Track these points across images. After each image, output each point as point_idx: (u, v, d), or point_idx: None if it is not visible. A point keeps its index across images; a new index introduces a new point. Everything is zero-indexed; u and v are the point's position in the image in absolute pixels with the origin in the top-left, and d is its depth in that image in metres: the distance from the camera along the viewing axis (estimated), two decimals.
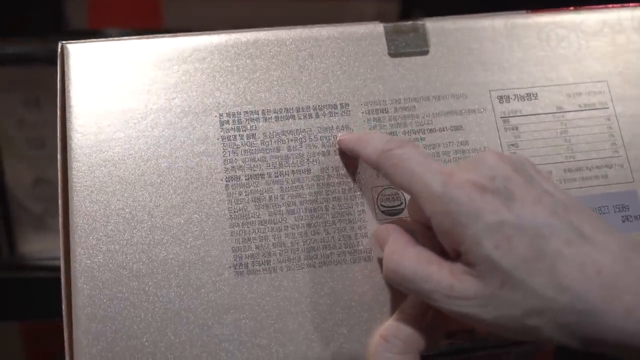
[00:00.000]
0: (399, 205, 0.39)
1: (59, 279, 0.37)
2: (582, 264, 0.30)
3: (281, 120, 0.40)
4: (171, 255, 0.37)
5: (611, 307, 0.29)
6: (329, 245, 0.38)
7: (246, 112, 0.40)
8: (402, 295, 0.36)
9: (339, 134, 0.40)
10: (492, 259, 0.31)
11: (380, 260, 0.38)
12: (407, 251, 0.34)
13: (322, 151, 0.40)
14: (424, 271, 0.33)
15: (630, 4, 0.45)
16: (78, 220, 0.37)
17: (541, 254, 0.30)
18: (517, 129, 0.42)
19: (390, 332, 0.35)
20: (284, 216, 0.39)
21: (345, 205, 0.39)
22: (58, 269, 0.37)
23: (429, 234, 0.35)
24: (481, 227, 0.31)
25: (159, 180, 0.38)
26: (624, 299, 0.29)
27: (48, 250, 0.76)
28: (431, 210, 0.33)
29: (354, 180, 0.40)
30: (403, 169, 0.34)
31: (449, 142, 0.41)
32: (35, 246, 0.78)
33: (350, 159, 0.40)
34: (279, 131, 0.40)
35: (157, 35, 0.41)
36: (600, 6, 0.45)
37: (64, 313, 0.36)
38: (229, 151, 0.39)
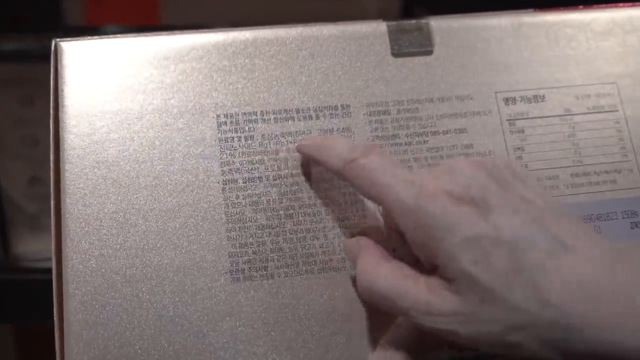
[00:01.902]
0: None
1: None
2: (564, 276, 0.29)
3: (280, 122, 0.40)
4: (166, 261, 0.37)
5: (596, 321, 0.28)
6: (328, 251, 0.38)
7: (244, 113, 0.40)
8: None
9: (297, 142, 0.39)
10: (471, 275, 0.30)
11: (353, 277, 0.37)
12: (380, 267, 0.33)
13: None
14: (399, 288, 0.32)
15: None
16: (70, 223, 0.37)
17: (521, 268, 0.29)
18: (523, 132, 0.41)
19: (391, 341, 0.35)
20: (282, 221, 0.38)
21: (345, 210, 0.39)
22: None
23: (404, 243, 0.34)
24: (457, 241, 0.30)
25: (154, 183, 0.38)
26: (609, 310, 0.28)
27: (43, 251, 0.76)
28: (404, 224, 0.32)
29: None
30: (370, 180, 0.34)
31: (453, 146, 0.40)
32: (30, 247, 0.78)
33: None
34: (277, 133, 0.40)
35: (153, 33, 0.41)
36: (610, 5, 0.45)
37: (55, 319, 0.36)
38: (226, 153, 0.39)
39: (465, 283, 0.30)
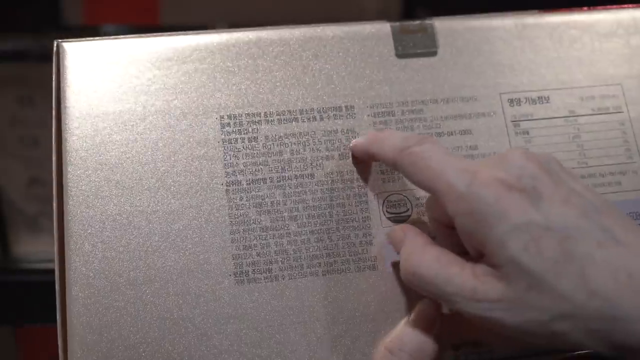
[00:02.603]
0: (405, 212, 0.39)
1: (54, 282, 0.37)
2: (613, 268, 0.29)
3: (284, 123, 0.40)
4: (169, 263, 0.37)
5: None
6: (333, 253, 0.38)
7: (248, 114, 0.40)
8: (408, 306, 0.36)
9: (352, 141, 0.40)
10: (519, 261, 0.30)
11: (392, 265, 0.38)
12: (426, 252, 0.34)
13: (326, 155, 0.39)
14: (445, 273, 0.32)
15: None
16: (73, 226, 0.37)
17: (571, 257, 0.30)
18: (528, 133, 0.41)
19: (396, 344, 0.35)
20: (286, 222, 0.38)
21: (349, 211, 0.39)
22: (53, 271, 0.37)
23: (448, 233, 0.35)
24: (508, 227, 0.30)
25: (157, 185, 0.38)
26: None
27: (43, 252, 0.76)
28: (454, 210, 0.32)
29: (359, 185, 0.39)
30: (423, 167, 0.34)
31: (458, 147, 0.40)
32: (30, 248, 0.78)
33: (355, 164, 0.39)
34: (281, 134, 0.40)
35: (156, 34, 0.40)
36: (614, 6, 0.45)
37: (58, 322, 0.36)
38: (229, 155, 0.39)
39: (513, 270, 0.30)
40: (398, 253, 0.36)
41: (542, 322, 0.30)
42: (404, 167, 0.35)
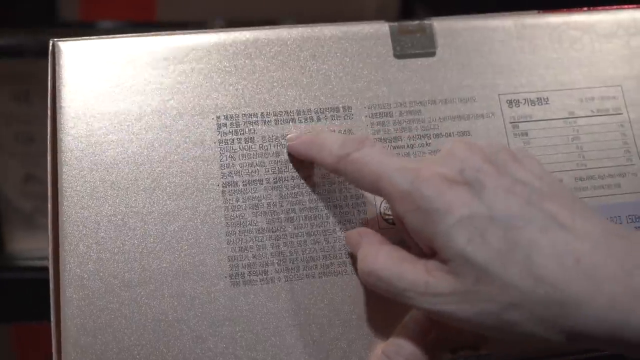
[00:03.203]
0: None
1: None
2: (559, 253, 0.29)
3: (281, 124, 0.40)
4: (164, 264, 0.37)
5: (593, 297, 0.28)
6: (330, 255, 0.38)
7: (244, 114, 0.39)
8: (404, 309, 0.36)
9: (287, 137, 0.39)
10: (465, 254, 0.30)
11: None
12: (380, 252, 0.34)
13: None
14: (398, 270, 0.33)
15: None
16: (68, 226, 0.37)
17: (515, 245, 0.30)
18: (527, 134, 0.41)
19: (393, 348, 0.35)
20: (283, 224, 0.38)
21: (346, 213, 0.38)
22: (49, 269, 0.37)
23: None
24: (452, 221, 0.31)
25: (152, 186, 0.38)
26: (606, 287, 0.28)
27: (39, 249, 0.76)
28: (401, 209, 0.33)
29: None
30: (366, 172, 0.34)
31: None
32: (26, 245, 0.78)
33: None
34: (278, 135, 0.39)
35: (152, 33, 0.40)
36: (614, 7, 0.45)
37: (52, 323, 0.36)
38: (226, 155, 0.39)
39: (460, 262, 0.30)
40: (355, 255, 0.36)
41: (492, 313, 0.30)
42: (346, 175, 0.35)
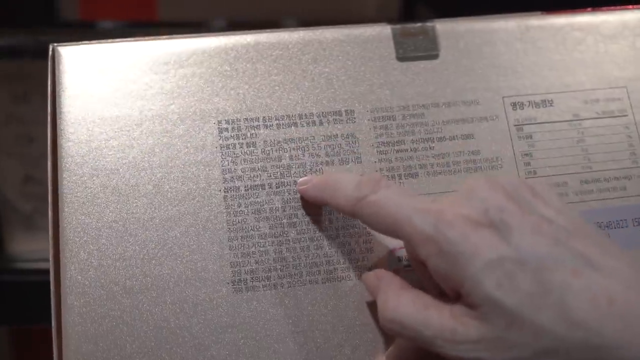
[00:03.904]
0: None
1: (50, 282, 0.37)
2: (593, 295, 0.29)
3: (283, 128, 0.39)
4: (166, 271, 0.37)
5: (629, 340, 0.28)
6: (333, 261, 0.38)
7: (246, 119, 0.39)
8: None
9: (299, 181, 0.39)
10: (495, 299, 0.29)
11: (369, 305, 0.37)
12: (401, 297, 0.33)
13: (326, 160, 0.39)
14: (423, 317, 0.32)
15: None
16: (69, 233, 0.37)
17: (547, 288, 0.29)
18: (531, 137, 0.41)
19: (397, 353, 0.35)
20: (286, 229, 0.38)
21: (349, 218, 0.38)
22: (49, 271, 0.37)
23: (428, 274, 0.34)
24: (480, 265, 0.30)
25: (154, 191, 0.38)
26: None
27: (38, 251, 0.76)
28: (425, 253, 0.32)
29: None
30: (385, 215, 0.33)
31: (460, 152, 0.40)
32: (25, 246, 0.77)
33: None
34: (280, 139, 0.39)
35: (153, 37, 0.40)
36: (619, 7, 0.44)
37: (53, 331, 0.36)
38: (227, 160, 0.39)
39: (490, 308, 0.30)
40: (375, 299, 0.35)
41: (526, 359, 0.29)
42: (364, 218, 0.35)
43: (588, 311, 0.28)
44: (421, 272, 0.34)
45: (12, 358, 0.80)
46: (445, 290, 0.32)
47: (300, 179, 0.39)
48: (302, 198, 0.38)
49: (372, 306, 0.37)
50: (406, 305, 0.32)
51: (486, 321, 0.30)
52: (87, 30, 0.78)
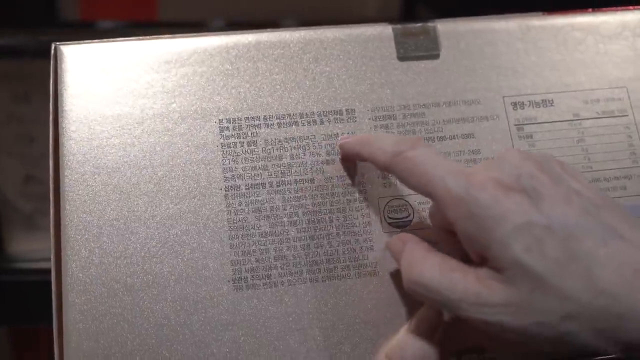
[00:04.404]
0: (406, 217, 0.39)
1: (50, 282, 0.37)
2: (619, 265, 0.29)
3: (284, 127, 0.40)
4: (167, 269, 0.37)
5: None
6: (333, 259, 0.38)
7: (247, 117, 0.40)
8: (409, 312, 0.36)
9: (341, 137, 0.40)
10: (523, 263, 0.30)
11: (392, 274, 0.38)
12: (427, 260, 0.34)
13: (327, 159, 0.40)
14: (448, 280, 0.32)
15: None
16: (70, 230, 0.37)
17: (575, 256, 0.30)
18: (531, 137, 0.41)
19: (397, 352, 0.35)
20: (286, 228, 0.38)
21: (350, 216, 0.39)
22: (49, 271, 0.37)
23: (451, 239, 0.35)
24: (509, 229, 0.30)
25: (155, 190, 0.38)
26: None
27: (39, 250, 0.76)
28: (454, 214, 0.32)
29: (360, 190, 0.39)
30: (419, 172, 0.34)
31: (460, 151, 0.41)
32: (26, 246, 0.78)
33: (356, 168, 0.39)
34: (281, 138, 0.40)
35: (154, 36, 0.41)
36: (620, 8, 0.45)
37: (54, 328, 0.36)
38: (228, 159, 0.39)
39: (516, 272, 0.30)
40: (399, 264, 0.36)
41: (548, 324, 0.30)
42: (398, 172, 0.35)
43: (613, 280, 0.29)
44: (446, 239, 0.35)
45: (12, 358, 0.81)
46: (471, 254, 0.33)
47: (342, 135, 0.40)
48: (304, 197, 0.39)
49: (372, 304, 0.38)
50: (432, 268, 0.33)
51: (512, 285, 0.30)
52: (87, 30, 0.79)
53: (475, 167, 0.33)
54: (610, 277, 0.29)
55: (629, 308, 0.29)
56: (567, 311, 0.29)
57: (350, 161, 0.40)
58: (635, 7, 0.45)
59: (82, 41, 0.40)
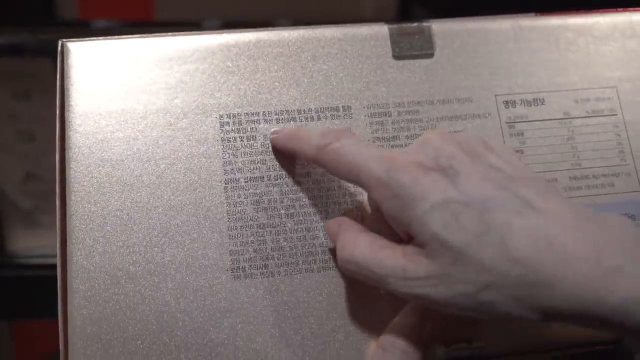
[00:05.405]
0: None
1: (50, 277, 0.39)
2: (532, 235, 0.31)
3: (282, 123, 0.42)
4: (168, 258, 0.39)
5: (565, 277, 0.31)
6: (328, 250, 0.40)
7: (247, 113, 0.42)
8: (401, 303, 0.38)
9: (271, 130, 0.42)
10: (441, 237, 0.32)
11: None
12: (358, 239, 0.36)
13: None
14: (377, 257, 0.35)
15: None
16: (75, 220, 0.39)
17: (490, 228, 0.32)
18: (522, 134, 0.43)
19: (388, 341, 0.37)
20: (283, 220, 0.41)
21: (345, 209, 0.41)
22: (49, 267, 0.39)
23: (387, 221, 0.37)
24: (427, 206, 0.33)
25: (157, 182, 0.40)
26: (577, 267, 0.31)
27: (38, 247, 0.78)
28: (379, 196, 0.35)
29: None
30: (344, 162, 0.37)
31: None
32: (25, 243, 0.79)
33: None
34: None
35: (157, 34, 0.43)
36: (611, 10, 0.47)
37: (59, 314, 0.38)
38: (228, 153, 0.41)
39: (436, 246, 0.33)
40: (335, 244, 0.38)
41: (469, 294, 0.32)
42: (325, 164, 0.38)
43: (527, 249, 0.31)
44: (383, 220, 0.37)
45: (12, 352, 0.82)
46: (399, 233, 0.35)
47: (272, 129, 0.42)
48: (301, 190, 0.41)
49: (366, 294, 0.40)
50: (363, 247, 0.36)
51: (433, 258, 0.33)
52: (85, 29, 0.80)
53: (398, 151, 0.36)
54: (525, 247, 0.31)
55: (543, 276, 0.31)
56: (485, 281, 0.32)
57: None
58: (626, 9, 0.47)
59: (88, 38, 0.42)
